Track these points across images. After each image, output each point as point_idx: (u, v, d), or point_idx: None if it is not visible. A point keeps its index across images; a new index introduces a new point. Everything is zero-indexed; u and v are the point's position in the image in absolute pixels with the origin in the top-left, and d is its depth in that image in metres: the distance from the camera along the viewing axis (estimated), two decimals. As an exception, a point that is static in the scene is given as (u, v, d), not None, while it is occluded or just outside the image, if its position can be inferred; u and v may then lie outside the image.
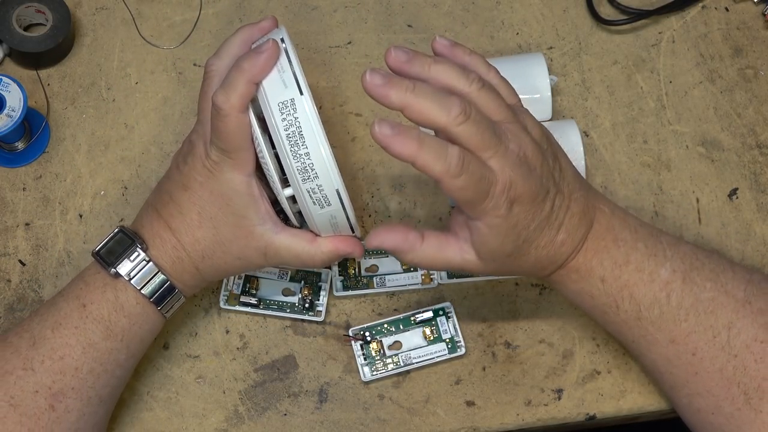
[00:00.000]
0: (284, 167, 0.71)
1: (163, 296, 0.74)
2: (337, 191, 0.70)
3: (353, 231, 0.74)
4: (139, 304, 0.74)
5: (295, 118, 0.69)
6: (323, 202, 0.71)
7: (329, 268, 0.84)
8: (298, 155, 0.69)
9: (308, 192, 0.70)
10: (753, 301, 0.73)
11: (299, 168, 0.69)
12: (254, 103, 0.71)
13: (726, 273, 0.74)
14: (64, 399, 0.72)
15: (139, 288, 0.74)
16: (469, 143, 0.66)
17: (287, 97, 0.69)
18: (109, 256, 0.74)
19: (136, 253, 0.74)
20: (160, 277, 0.74)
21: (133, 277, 0.74)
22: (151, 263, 0.74)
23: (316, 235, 0.75)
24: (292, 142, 0.69)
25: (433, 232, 0.72)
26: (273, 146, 0.71)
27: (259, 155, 0.72)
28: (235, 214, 0.73)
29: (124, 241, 0.74)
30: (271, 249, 0.74)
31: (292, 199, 0.73)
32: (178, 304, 0.76)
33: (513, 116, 0.70)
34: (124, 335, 0.74)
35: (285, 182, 0.72)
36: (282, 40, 0.71)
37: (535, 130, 0.71)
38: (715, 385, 0.72)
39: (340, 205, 0.71)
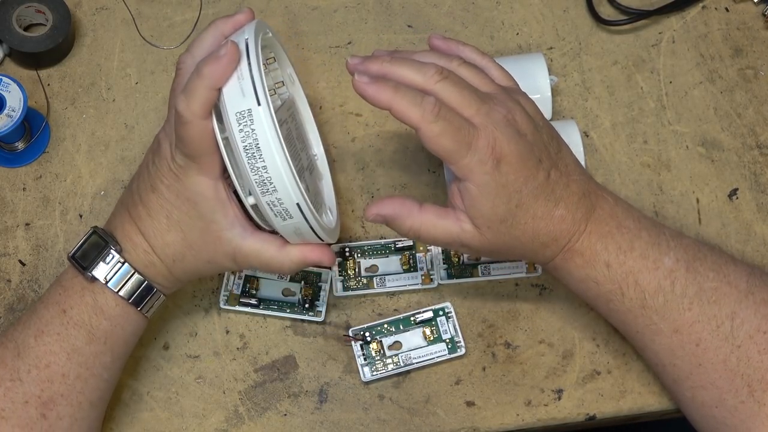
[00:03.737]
0: (243, 178, 0.69)
1: (142, 296, 0.74)
2: (298, 205, 0.68)
3: (322, 240, 0.73)
4: (119, 305, 0.74)
5: (252, 130, 0.66)
6: (284, 214, 0.69)
7: (329, 268, 0.84)
8: (255, 168, 0.67)
9: (268, 204, 0.68)
10: (756, 292, 0.73)
11: (257, 181, 0.67)
12: (217, 108, 0.69)
13: (728, 265, 0.74)
14: (55, 407, 0.72)
15: (116, 290, 0.73)
16: (449, 101, 0.69)
17: (244, 107, 0.66)
18: (84, 260, 0.73)
19: (110, 256, 0.73)
20: (137, 277, 0.73)
21: (110, 279, 0.73)
22: (126, 264, 0.73)
23: (287, 241, 0.73)
24: (249, 155, 0.67)
25: (431, 204, 0.72)
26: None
27: (225, 161, 0.70)
28: (202, 218, 0.72)
29: (98, 244, 0.73)
30: (239, 254, 0.73)
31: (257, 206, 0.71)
32: (158, 303, 0.76)
33: (502, 90, 0.72)
34: (107, 338, 0.74)
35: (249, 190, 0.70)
36: (246, 42, 0.68)
37: (530, 106, 0.73)
38: (718, 377, 0.72)
39: (303, 218, 0.69)
